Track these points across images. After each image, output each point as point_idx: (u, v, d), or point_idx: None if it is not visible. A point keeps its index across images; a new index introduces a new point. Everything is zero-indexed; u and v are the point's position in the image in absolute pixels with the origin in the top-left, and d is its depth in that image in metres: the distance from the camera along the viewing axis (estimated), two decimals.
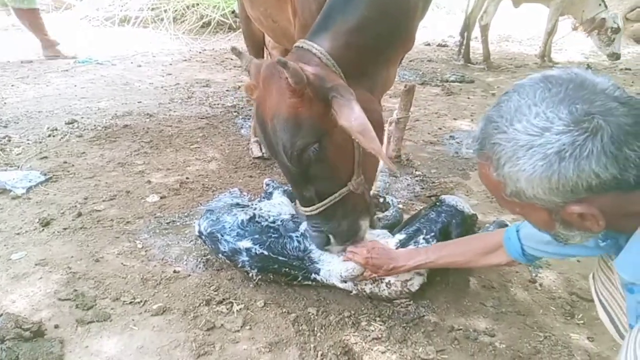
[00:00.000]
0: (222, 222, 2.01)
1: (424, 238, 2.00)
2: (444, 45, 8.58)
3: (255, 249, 1.91)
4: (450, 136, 4.09)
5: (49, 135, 3.70)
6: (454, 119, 4.57)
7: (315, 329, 1.80)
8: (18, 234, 2.33)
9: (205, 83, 5.63)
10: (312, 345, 1.71)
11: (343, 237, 1.81)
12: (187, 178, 3.06)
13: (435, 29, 9.79)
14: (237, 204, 2.20)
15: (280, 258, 1.91)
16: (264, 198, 2.30)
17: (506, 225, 2.47)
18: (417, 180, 3.22)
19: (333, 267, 1.88)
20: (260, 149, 3.44)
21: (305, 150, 1.51)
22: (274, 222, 2.00)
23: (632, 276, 0.96)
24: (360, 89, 1.66)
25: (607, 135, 0.79)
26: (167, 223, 2.51)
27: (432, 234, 2.01)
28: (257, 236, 1.94)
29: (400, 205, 2.83)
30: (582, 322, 1.88)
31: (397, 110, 3.40)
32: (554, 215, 0.93)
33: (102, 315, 1.80)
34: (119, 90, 5.25)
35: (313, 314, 1.88)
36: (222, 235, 1.97)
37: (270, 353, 1.67)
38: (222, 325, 1.79)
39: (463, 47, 7.10)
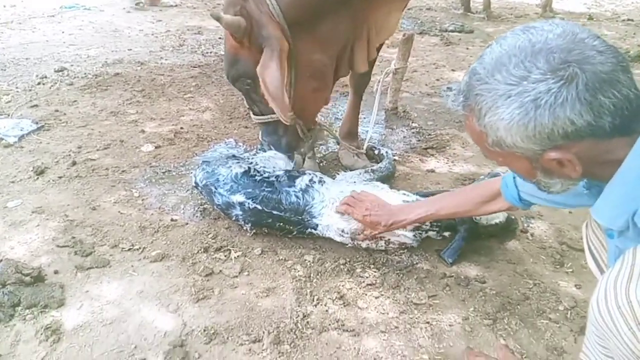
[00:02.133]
0: (216, 174, 2.00)
1: (430, 222, 1.95)
2: None
3: (249, 203, 1.91)
4: (448, 87, 4.03)
5: (39, 83, 3.61)
6: (452, 70, 4.49)
7: (312, 275, 1.84)
8: (13, 182, 2.32)
9: (197, 30, 5.46)
10: (308, 291, 1.75)
11: (283, 150, 2.16)
12: (181, 128, 3.02)
13: None
14: (233, 156, 2.18)
15: (275, 212, 1.91)
16: (260, 150, 2.28)
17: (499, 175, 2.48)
18: (413, 133, 3.21)
19: (332, 221, 1.90)
20: None
21: (238, 80, 1.90)
22: (268, 176, 1.98)
23: (608, 222, 0.98)
24: (307, 37, 1.81)
25: (582, 82, 0.80)
26: (162, 172, 2.51)
27: (438, 223, 1.97)
28: (250, 190, 1.92)
29: (396, 157, 2.84)
30: (570, 270, 1.93)
31: (394, 60, 3.33)
32: (534, 163, 0.94)
33: (101, 261, 1.83)
34: (108, 37, 5.09)
35: (309, 261, 1.92)
36: (216, 188, 1.97)
37: (268, 298, 1.72)
38: (220, 271, 1.83)
39: None
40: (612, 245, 1.06)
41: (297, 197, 1.91)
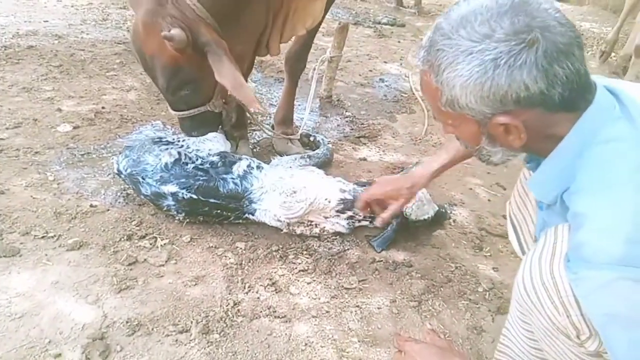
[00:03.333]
0: (143, 163, 1.88)
1: (363, 213, 1.95)
2: None
3: (183, 193, 1.83)
4: (380, 79, 4.12)
5: None
6: (384, 62, 4.59)
7: (243, 262, 1.81)
8: None
9: (123, 4, 5.12)
10: (239, 278, 1.72)
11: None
12: (102, 108, 2.83)
13: None
14: (160, 140, 2.05)
15: (212, 201, 1.85)
16: None
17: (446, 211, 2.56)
18: (347, 121, 3.24)
19: (271, 206, 1.87)
20: None
21: (181, 89, 1.85)
22: (202, 163, 1.90)
23: (540, 195, 1.04)
24: (230, 30, 1.81)
25: (542, 49, 0.82)
26: (81, 155, 2.34)
27: (372, 215, 1.95)
28: (183, 180, 1.84)
29: (330, 145, 2.85)
30: (489, 254, 2.06)
31: (329, 49, 3.34)
32: (482, 128, 0.96)
33: (9, 250, 1.67)
34: (20, 5, 4.63)
35: (241, 248, 1.88)
36: (144, 178, 1.86)
37: (197, 286, 1.67)
38: (145, 260, 1.75)
39: None
40: (540, 217, 1.13)
41: (235, 184, 1.86)
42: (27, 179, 2.08)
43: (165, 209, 1.88)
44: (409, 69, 4.45)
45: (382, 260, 1.93)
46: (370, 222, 2.05)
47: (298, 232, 1.95)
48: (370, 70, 4.30)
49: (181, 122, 2.05)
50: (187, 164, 1.88)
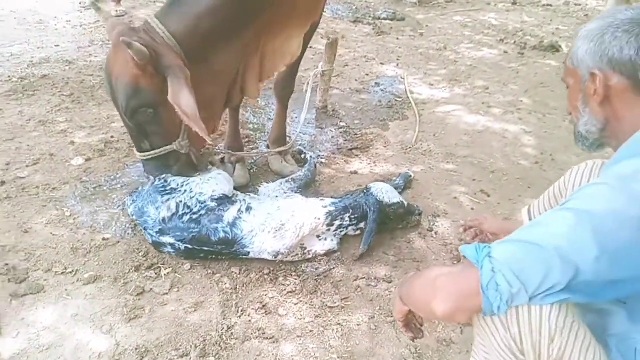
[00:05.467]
0: (145, 214, 2.08)
1: (349, 217, 2.22)
2: None
3: (179, 244, 2.04)
4: (376, 83, 4.25)
5: None
6: (381, 63, 4.70)
7: (238, 287, 2.03)
8: None
9: (128, 20, 5.33)
10: (234, 302, 1.95)
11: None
12: (111, 137, 3.06)
13: None
14: (164, 187, 2.15)
15: (205, 248, 2.05)
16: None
17: (410, 176, 2.76)
18: (341, 132, 3.41)
19: (265, 246, 2.05)
20: None
21: (138, 111, 1.90)
22: (199, 210, 2.07)
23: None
24: (199, 68, 1.92)
25: None
26: (93, 188, 2.58)
27: (356, 215, 2.23)
28: (179, 233, 2.03)
29: (322, 160, 3.04)
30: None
31: (321, 63, 3.49)
32: (582, 85, 1.18)
33: (35, 287, 1.93)
34: (32, 30, 4.89)
35: (236, 273, 2.10)
36: (145, 229, 2.08)
37: (196, 312, 1.90)
38: (151, 289, 1.98)
39: None
40: None
41: (225, 232, 2.03)
42: (47, 216, 2.34)
43: (166, 252, 2.11)
44: (405, 69, 4.56)
45: (364, 278, 2.12)
46: (355, 226, 2.26)
47: (290, 259, 2.15)
48: (367, 74, 4.43)
49: (146, 166, 2.13)
50: (184, 215, 2.05)
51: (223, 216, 2.08)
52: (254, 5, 1.97)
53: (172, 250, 2.08)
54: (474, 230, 1.99)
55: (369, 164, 3.04)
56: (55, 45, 4.51)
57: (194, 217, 2.07)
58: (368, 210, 2.25)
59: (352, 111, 3.72)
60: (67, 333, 1.77)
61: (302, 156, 2.96)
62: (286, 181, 2.55)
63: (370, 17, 6.17)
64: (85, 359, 1.68)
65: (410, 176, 2.81)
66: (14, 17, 5.21)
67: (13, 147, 2.87)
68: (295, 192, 2.50)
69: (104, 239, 2.23)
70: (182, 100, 1.76)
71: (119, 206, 2.44)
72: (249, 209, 2.14)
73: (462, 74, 4.53)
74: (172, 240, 2.05)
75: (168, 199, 2.11)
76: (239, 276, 2.09)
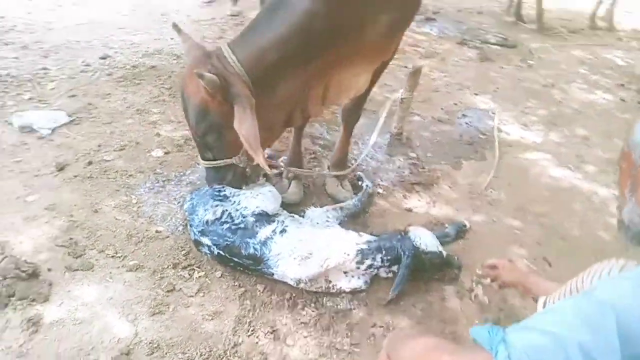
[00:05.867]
0: (195, 212, 2.24)
1: (381, 258, 2.18)
2: None
3: (213, 248, 2.16)
4: (463, 114, 4.07)
5: (82, 71, 4.01)
6: (475, 93, 4.48)
7: (257, 305, 2.11)
8: (36, 175, 2.72)
9: (240, 22, 5.67)
10: (248, 320, 2.02)
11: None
12: None
13: None
14: (219, 193, 2.30)
15: (235, 259, 2.15)
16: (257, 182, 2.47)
17: (464, 226, 2.62)
18: (408, 163, 3.33)
19: (288, 272, 2.11)
20: None
21: (205, 130, 2.08)
22: (239, 223, 2.18)
23: None
24: (264, 95, 2.01)
25: None
26: (163, 180, 2.83)
27: (389, 257, 2.19)
28: (215, 238, 2.16)
29: (380, 190, 3.00)
30: None
31: (402, 90, 3.43)
32: (633, 170, 1.12)
33: (87, 265, 2.19)
34: (155, 22, 5.43)
35: (260, 290, 2.18)
36: (191, 226, 2.24)
37: (212, 321, 2.01)
38: (180, 289, 2.14)
39: (514, 2, 6.67)
40: None
41: (255, 249, 2.12)
42: (117, 200, 2.62)
43: (203, 253, 2.25)
44: (500, 103, 4.30)
45: (382, 326, 2.08)
46: (388, 267, 2.21)
47: (314, 289, 2.17)
48: (456, 104, 4.25)
49: (207, 172, 2.33)
50: (225, 222, 2.18)
51: (257, 233, 2.17)
52: (320, 43, 2.00)
53: (208, 252, 2.21)
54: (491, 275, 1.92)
55: (427, 202, 2.94)
56: (170, 38, 4.96)
57: (233, 227, 2.19)
58: (402, 254, 2.19)
59: (428, 142, 3.61)
60: (100, 313, 1.98)
61: (360, 183, 2.95)
62: (333, 208, 2.56)
63: (478, 40, 5.89)
64: (106, 341, 1.87)
65: (465, 226, 2.67)
66: (145, 8, 5.83)
67: (108, 130, 3.24)
68: (339, 221, 2.51)
69: (156, 231, 2.44)
70: (245, 129, 1.88)
71: (179, 202, 2.65)
72: (283, 231, 2.20)
73: (563, 118, 4.15)
74: (209, 243, 2.18)
75: (217, 205, 2.25)
76: (261, 294, 2.16)
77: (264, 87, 2.01)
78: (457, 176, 3.23)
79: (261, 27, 1.97)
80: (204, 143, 2.17)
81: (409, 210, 2.85)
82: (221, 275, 2.23)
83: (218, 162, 2.22)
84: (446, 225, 2.67)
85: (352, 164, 3.02)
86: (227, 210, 2.22)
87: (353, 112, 2.77)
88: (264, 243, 2.14)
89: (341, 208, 2.58)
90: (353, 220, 2.66)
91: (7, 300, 1.96)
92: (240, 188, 2.35)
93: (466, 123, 3.94)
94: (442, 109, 4.14)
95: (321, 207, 2.64)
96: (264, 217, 2.24)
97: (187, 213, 2.32)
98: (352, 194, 2.85)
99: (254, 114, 1.91)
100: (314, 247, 2.15)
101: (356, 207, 2.65)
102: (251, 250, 2.13)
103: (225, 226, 2.19)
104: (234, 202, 2.26)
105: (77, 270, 2.16)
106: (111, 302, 2.04)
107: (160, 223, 2.51)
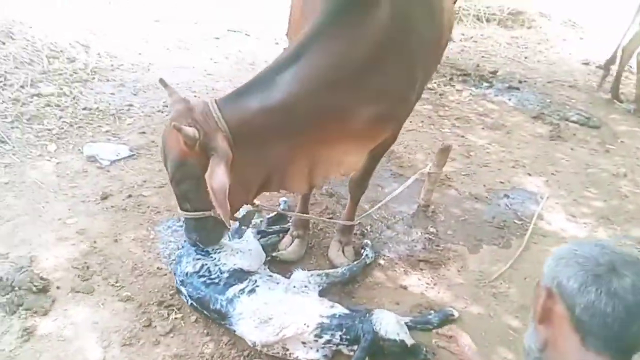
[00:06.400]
0: (180, 262, 2.45)
1: (340, 335, 2.21)
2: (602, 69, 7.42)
3: (188, 298, 2.36)
4: (505, 194, 3.87)
5: (159, 111, 4.60)
6: (528, 173, 4.24)
7: (215, 356, 2.25)
8: (83, 201, 3.19)
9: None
10: None
11: (204, 242, 2.38)
12: None
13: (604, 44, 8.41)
14: (201, 249, 2.46)
15: (205, 312, 2.33)
16: (235, 233, 2.66)
17: (452, 315, 2.53)
18: (425, 238, 3.27)
19: (245, 333, 2.23)
20: None
21: (182, 181, 2.11)
22: (214, 277, 2.34)
23: None
24: (245, 152, 2.03)
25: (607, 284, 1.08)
26: (182, 220, 3.13)
27: (348, 337, 2.22)
28: (191, 289, 2.35)
29: (382, 262, 3.00)
30: None
31: (430, 164, 3.42)
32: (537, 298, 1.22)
33: (89, 288, 2.52)
34: (241, 71, 5.98)
35: (224, 342, 2.32)
36: (175, 274, 2.47)
37: None
38: (155, 326, 2.36)
39: (605, 80, 6.21)
40: None
41: (221, 305, 2.27)
42: (137, 233, 2.97)
43: (183, 299, 2.46)
44: (553, 188, 4.02)
45: None
46: (347, 346, 2.22)
47: (271, 353, 2.26)
48: (502, 182, 4.06)
49: (186, 223, 2.38)
50: (202, 276, 2.36)
51: (227, 290, 2.32)
52: (304, 122, 2.08)
53: (185, 300, 2.42)
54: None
55: (427, 283, 2.86)
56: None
57: (208, 281, 2.36)
58: (361, 336, 2.19)
59: (453, 219, 3.51)
60: (81, 334, 2.28)
61: (362, 251, 2.98)
62: (317, 274, 2.62)
63: (558, 115, 5.54)
64: None
65: (452, 315, 2.56)
66: (236, 57, 6.44)
67: (157, 168, 3.66)
68: (320, 287, 2.56)
69: (158, 268, 2.72)
70: (215, 182, 1.93)
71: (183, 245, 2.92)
72: (252, 291, 2.33)
73: (621, 215, 3.75)
74: (185, 293, 2.39)
75: (199, 258, 2.46)
76: (224, 346, 2.30)
77: (244, 145, 2.05)
78: (470, 260, 3.09)
79: (252, 91, 2.04)
80: (182, 193, 2.21)
81: (404, 287, 2.80)
82: (196, 320, 2.42)
83: (195, 213, 2.25)
84: (432, 311, 2.59)
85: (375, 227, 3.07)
86: (206, 265, 2.40)
87: (358, 185, 2.85)
88: (230, 300, 2.29)
89: (327, 275, 2.63)
90: (340, 288, 2.70)
91: (15, 308, 2.34)
92: (218, 241, 2.47)
93: (505, 205, 3.75)
94: (484, 185, 3.98)
95: (319, 268, 2.73)
96: (238, 275, 2.40)
97: (174, 262, 2.56)
98: (351, 262, 2.89)
99: (228, 169, 1.95)
100: (276, 312, 2.24)
101: (343, 276, 2.69)
102: (218, 306, 2.29)
103: (202, 280, 2.37)
104: (215, 258, 2.44)
105: (79, 292, 2.50)
106: (95, 326, 2.33)
107: (164, 260, 2.79)
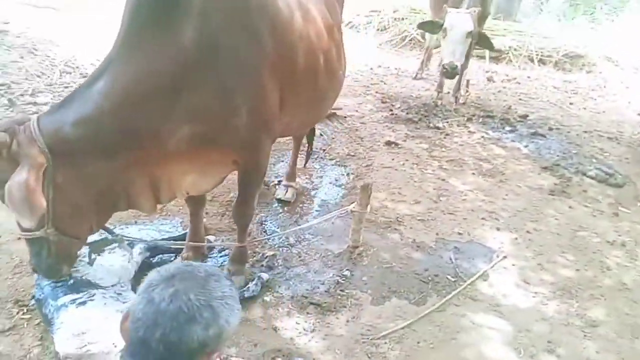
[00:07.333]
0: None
1: None
2: None
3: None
4: (456, 247, 3.45)
5: None
6: (497, 228, 3.74)
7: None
8: None
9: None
10: None
11: (45, 274, 2.27)
12: None
13: None
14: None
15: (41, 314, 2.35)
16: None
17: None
18: (334, 280, 3.01)
19: (57, 342, 2.16)
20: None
21: None
22: (59, 283, 2.32)
23: None
24: (70, 171, 2.02)
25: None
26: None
27: None
28: (38, 289, 2.37)
29: (268, 298, 2.81)
30: None
31: (354, 203, 3.17)
32: None
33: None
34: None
35: (45, 347, 2.29)
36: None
37: None
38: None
39: None
40: None
41: (49, 310, 2.25)
42: None
43: None
44: (521, 249, 3.51)
45: None
46: None
47: None
48: (460, 233, 3.61)
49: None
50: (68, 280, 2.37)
51: (60, 297, 2.30)
52: (116, 140, 2.05)
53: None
54: None
55: (304, 329, 2.61)
56: None
57: (52, 284, 2.36)
58: None
59: (377, 265, 3.17)
60: None
61: (248, 284, 2.81)
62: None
63: (574, 168, 4.87)
64: None
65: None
66: None
67: None
68: None
69: None
70: (14, 183, 1.93)
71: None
72: (82, 303, 2.27)
73: (591, 289, 3.14)
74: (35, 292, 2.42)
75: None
76: (38, 349, 2.28)
77: (67, 162, 2.03)
78: (367, 312, 2.76)
79: (67, 105, 2.05)
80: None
81: (275, 329, 2.58)
82: (39, 322, 2.42)
83: (25, 233, 2.11)
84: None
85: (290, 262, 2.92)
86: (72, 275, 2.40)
87: (238, 213, 2.74)
88: (58, 308, 2.26)
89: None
90: None
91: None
92: (58, 274, 2.31)
93: (450, 258, 3.33)
94: (436, 234, 3.58)
95: None
96: (80, 285, 2.37)
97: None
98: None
99: (36, 177, 1.93)
100: (92, 328, 2.17)
101: None
102: (46, 311, 2.28)
103: (60, 283, 2.35)
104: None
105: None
106: None
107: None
